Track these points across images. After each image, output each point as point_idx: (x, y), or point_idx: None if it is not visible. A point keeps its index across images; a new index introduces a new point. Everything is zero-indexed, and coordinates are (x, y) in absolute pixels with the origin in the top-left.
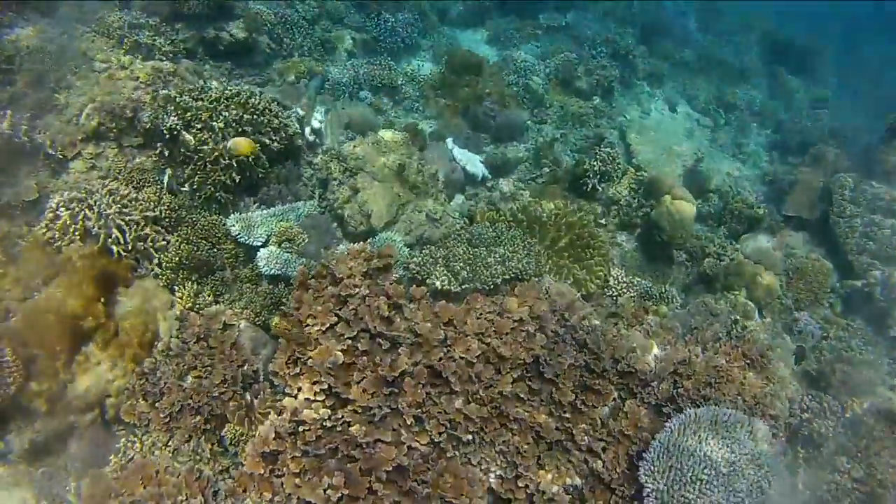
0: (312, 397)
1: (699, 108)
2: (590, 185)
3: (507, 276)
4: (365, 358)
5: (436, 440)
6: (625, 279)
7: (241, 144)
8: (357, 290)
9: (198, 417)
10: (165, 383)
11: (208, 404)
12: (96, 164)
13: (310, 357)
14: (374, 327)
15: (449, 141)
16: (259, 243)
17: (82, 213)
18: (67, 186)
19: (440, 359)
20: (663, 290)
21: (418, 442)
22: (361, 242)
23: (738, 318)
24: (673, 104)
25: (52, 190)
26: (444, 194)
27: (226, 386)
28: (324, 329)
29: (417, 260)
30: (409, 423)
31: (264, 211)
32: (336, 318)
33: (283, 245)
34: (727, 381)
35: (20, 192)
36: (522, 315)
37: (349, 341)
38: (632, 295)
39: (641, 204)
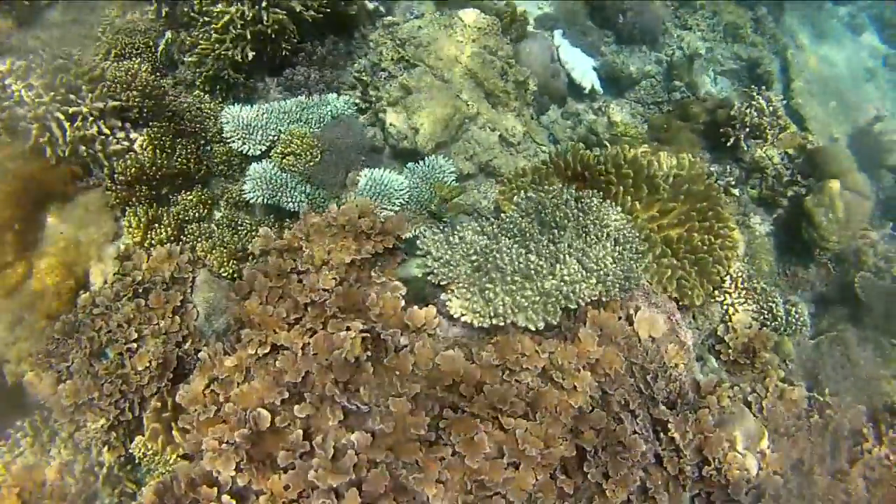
0: (216, 472)
1: (894, 41)
2: (732, 139)
3: (574, 306)
4: (300, 432)
5: None
6: (746, 283)
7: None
8: (326, 296)
9: (101, 421)
10: (74, 359)
11: (119, 404)
12: (79, 18)
13: (228, 399)
14: (325, 385)
15: (557, 34)
16: (258, 152)
17: (18, 93)
18: (35, 47)
19: (416, 461)
20: (793, 309)
21: None
22: (359, 198)
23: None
24: (858, 29)
25: (11, 49)
26: (533, 108)
27: (149, 374)
28: (264, 353)
29: (438, 252)
30: None
31: (274, 104)
32: (287, 336)
33: (285, 161)
34: None
35: None
36: (578, 383)
37: (286, 392)
38: (749, 309)
39: (795, 179)
